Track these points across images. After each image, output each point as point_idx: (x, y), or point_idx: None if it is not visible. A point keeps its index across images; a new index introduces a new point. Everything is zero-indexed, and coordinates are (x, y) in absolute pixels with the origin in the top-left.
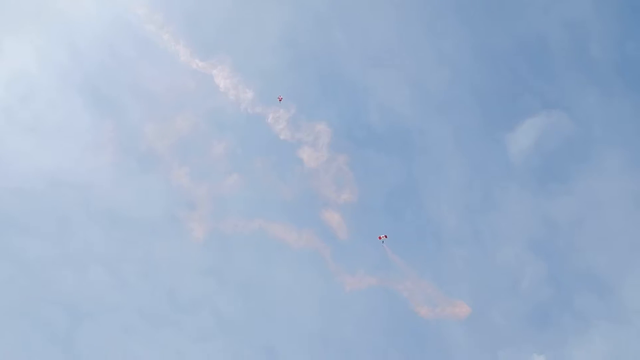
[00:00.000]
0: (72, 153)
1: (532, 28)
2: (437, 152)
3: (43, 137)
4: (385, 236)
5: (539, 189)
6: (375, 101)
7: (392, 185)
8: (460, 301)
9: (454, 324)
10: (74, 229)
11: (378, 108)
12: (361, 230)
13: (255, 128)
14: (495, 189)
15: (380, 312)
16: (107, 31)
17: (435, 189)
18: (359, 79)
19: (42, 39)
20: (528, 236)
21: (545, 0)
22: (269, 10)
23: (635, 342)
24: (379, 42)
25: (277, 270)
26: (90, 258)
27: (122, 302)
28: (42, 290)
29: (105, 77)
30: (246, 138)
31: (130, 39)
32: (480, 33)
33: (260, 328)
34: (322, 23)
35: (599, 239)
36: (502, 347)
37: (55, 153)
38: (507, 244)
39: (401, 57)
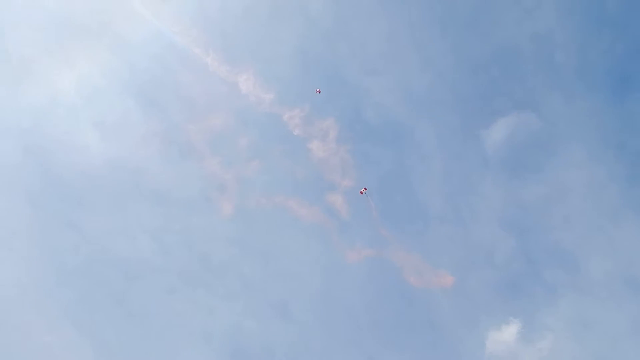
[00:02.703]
0: (127, 145)
1: (504, 39)
2: (424, 145)
3: (104, 132)
4: (365, 189)
5: (511, 176)
6: (372, 102)
7: (386, 172)
8: (444, 271)
9: (440, 291)
10: (128, 206)
11: (374, 107)
12: (360, 210)
13: (273, 124)
14: (473, 176)
15: (376, 279)
16: (156, 47)
17: (422, 176)
18: (358, 83)
19: (105, 54)
20: (502, 216)
21: (516, 14)
22: (284, 27)
23: (597, 309)
24: (375, 53)
25: (291, 241)
26: (140, 229)
27: (165, 266)
28: (102, 255)
29: (153, 84)
30: (266, 132)
31: (173, 53)
32: (460, 44)
33: (277, 288)
34: (328, 37)
35: (564, 219)
36: (482, 312)
37: (114, 145)
38: (484, 223)
39: (393, 65)
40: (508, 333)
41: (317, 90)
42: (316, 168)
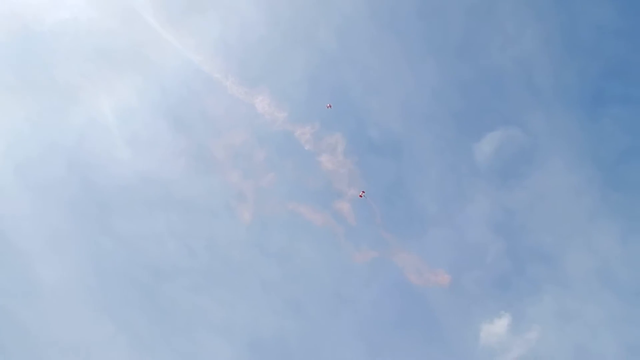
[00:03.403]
0: (157, 160)
1: (492, 62)
2: (421, 157)
3: (138, 148)
4: (363, 192)
5: (499, 184)
6: (374, 119)
7: (387, 182)
8: (441, 270)
9: (438, 288)
10: (158, 214)
11: (376, 124)
12: (365, 216)
13: (286, 140)
14: (465, 184)
15: (380, 278)
16: (183, 74)
17: (420, 185)
18: (361, 103)
19: (138, 80)
20: (491, 220)
21: (501, 41)
22: (295, 54)
23: (577, 302)
24: (377, 76)
25: (304, 244)
26: (169, 235)
27: (191, 268)
28: (136, 257)
29: (181, 105)
30: (280, 148)
31: (198, 78)
32: (453, 67)
33: (291, 287)
34: (335, 63)
35: (546, 221)
36: (476, 307)
37: (146, 160)
38: (476, 226)
39: (393, 86)
40: (499, 326)
41: (328, 105)
42: (325, 178)
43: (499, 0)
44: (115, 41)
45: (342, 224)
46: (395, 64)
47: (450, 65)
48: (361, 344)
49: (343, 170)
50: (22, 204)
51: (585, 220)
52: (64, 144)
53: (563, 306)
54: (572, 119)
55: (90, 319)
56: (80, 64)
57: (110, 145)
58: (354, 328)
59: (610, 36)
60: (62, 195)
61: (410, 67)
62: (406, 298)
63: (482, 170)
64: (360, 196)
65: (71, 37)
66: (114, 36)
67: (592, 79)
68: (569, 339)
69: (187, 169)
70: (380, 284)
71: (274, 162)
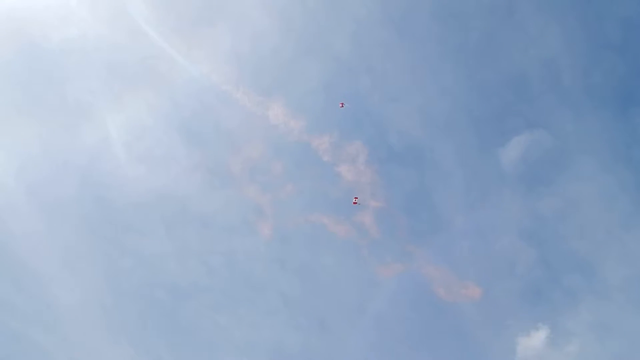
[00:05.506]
0: (173, 175)
1: (515, 64)
2: (444, 165)
3: (152, 165)
4: (357, 198)
5: (527, 190)
6: (395, 127)
7: (410, 191)
8: (471, 283)
9: (469, 302)
10: (176, 231)
11: (397, 132)
12: (388, 227)
13: (303, 151)
14: (492, 192)
15: (408, 293)
16: (195, 88)
17: (444, 194)
18: (381, 111)
19: (151, 96)
20: (520, 228)
21: (525, 41)
22: (311, 63)
23: (615, 311)
24: (395, 83)
25: (326, 259)
26: (187, 253)
27: (210, 286)
28: (154, 276)
29: (195, 120)
30: (298, 159)
31: (211, 92)
32: (474, 70)
33: (314, 304)
34: (351, 70)
35: (579, 228)
36: (511, 320)
37: (161, 175)
38: (504, 235)
39: (412, 93)
40: (537, 339)
41: (341, 104)
42: (345, 189)
43: None
44: (125, 56)
45: (364, 237)
46: (413, 68)
47: (471, 68)
48: None
49: (364, 180)
50: (36, 224)
51: (621, 225)
52: (76, 162)
53: (602, 317)
54: (602, 119)
55: (108, 341)
56: (90, 80)
57: (123, 162)
58: (380, 345)
59: None
60: (76, 215)
61: (429, 72)
62: (435, 313)
63: (509, 176)
64: (354, 203)
65: (80, 53)
66: (123, 51)
67: (622, 77)
68: (610, 352)
69: (202, 184)
70: (407, 299)
71: (292, 174)
